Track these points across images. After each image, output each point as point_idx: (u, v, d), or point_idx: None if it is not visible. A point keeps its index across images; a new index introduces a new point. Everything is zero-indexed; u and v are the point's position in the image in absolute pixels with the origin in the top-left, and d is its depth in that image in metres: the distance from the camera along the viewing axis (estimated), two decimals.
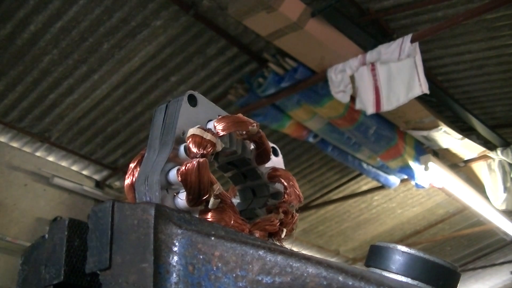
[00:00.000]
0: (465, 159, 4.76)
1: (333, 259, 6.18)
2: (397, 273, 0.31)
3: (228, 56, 3.74)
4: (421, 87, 3.11)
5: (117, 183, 4.83)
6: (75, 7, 3.17)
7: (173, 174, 0.36)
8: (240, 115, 0.41)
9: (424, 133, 4.16)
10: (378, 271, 0.32)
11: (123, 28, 3.36)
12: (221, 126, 0.39)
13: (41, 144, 4.29)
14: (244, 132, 0.41)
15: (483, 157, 4.72)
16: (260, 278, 0.28)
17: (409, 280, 0.31)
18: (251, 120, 0.40)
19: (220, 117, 0.40)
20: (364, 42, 3.33)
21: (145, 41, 3.47)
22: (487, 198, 4.92)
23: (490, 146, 4.65)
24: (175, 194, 0.37)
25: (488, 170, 4.77)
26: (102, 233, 0.32)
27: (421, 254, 0.31)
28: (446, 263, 0.31)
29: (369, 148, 4.28)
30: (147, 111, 4.02)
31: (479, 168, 4.90)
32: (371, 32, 3.44)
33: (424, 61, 3.17)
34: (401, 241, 6.71)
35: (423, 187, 4.74)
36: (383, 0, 3.30)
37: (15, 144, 4.24)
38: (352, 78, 3.32)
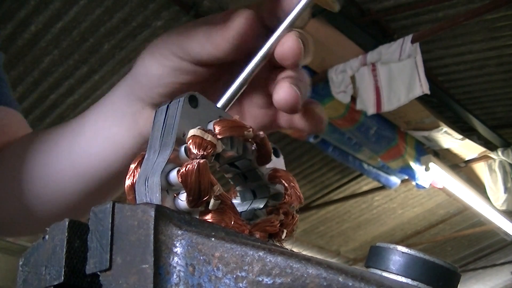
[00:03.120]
0: (466, 159, 4.76)
1: (333, 260, 6.18)
2: (397, 274, 0.31)
3: None
4: (422, 87, 3.12)
5: None
6: (75, 8, 3.18)
7: (173, 175, 0.36)
8: (236, 119, 0.41)
9: (425, 133, 4.17)
10: (378, 272, 0.32)
11: (124, 28, 3.36)
12: (218, 129, 0.39)
13: None
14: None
15: (483, 157, 4.73)
16: (260, 279, 0.28)
17: (409, 281, 0.31)
18: (247, 125, 0.41)
19: (217, 120, 0.40)
20: (364, 43, 3.34)
21: (146, 41, 3.48)
22: (487, 198, 4.92)
23: (491, 147, 4.65)
24: (175, 195, 0.37)
25: (489, 171, 4.77)
26: (102, 234, 0.32)
27: (421, 255, 0.31)
28: (446, 263, 0.31)
29: (369, 149, 4.28)
30: None
31: (479, 169, 4.90)
32: (371, 33, 3.44)
33: (425, 61, 3.17)
34: (402, 242, 6.72)
35: (423, 188, 4.74)
36: (384, 0, 3.30)
37: None
38: (352, 78, 3.32)
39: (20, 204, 0.68)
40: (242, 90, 0.47)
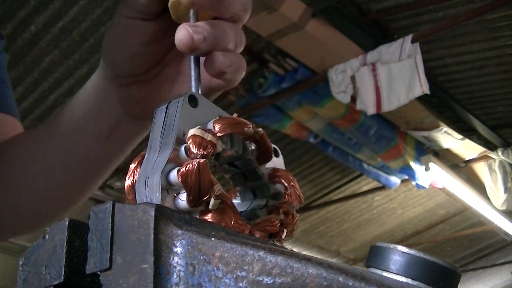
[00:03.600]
0: (466, 159, 4.76)
1: (333, 260, 6.18)
2: (398, 274, 0.31)
3: None
4: (422, 87, 3.12)
5: (118, 184, 4.83)
6: (75, 8, 3.18)
7: (173, 175, 0.36)
8: (235, 116, 0.41)
9: (425, 133, 4.17)
10: (378, 271, 0.32)
11: None
12: (218, 127, 0.39)
13: None
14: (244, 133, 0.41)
15: (483, 157, 4.73)
16: (260, 279, 0.28)
17: (409, 281, 0.31)
18: (247, 122, 0.40)
19: (217, 118, 0.40)
20: (364, 43, 3.33)
21: None
22: (487, 198, 4.92)
23: (491, 147, 4.65)
24: (175, 195, 0.37)
25: (489, 171, 4.77)
26: (102, 233, 0.32)
27: (421, 254, 0.31)
28: (446, 263, 0.31)
29: (369, 149, 4.28)
30: None
31: (479, 169, 4.90)
32: (371, 33, 3.44)
33: (425, 61, 3.17)
34: (402, 242, 6.71)
35: (423, 188, 4.74)
36: (384, 0, 3.30)
37: None
38: (352, 78, 3.32)
39: (9, 204, 0.70)
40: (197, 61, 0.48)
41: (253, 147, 0.43)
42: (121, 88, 0.58)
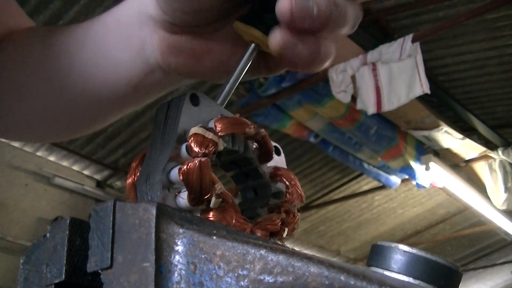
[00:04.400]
0: (466, 159, 4.76)
1: (334, 259, 6.18)
2: (399, 273, 0.31)
3: None
4: (422, 87, 3.12)
5: (118, 183, 4.83)
6: (76, 7, 3.17)
7: (174, 173, 0.36)
8: (237, 116, 0.41)
9: (425, 133, 4.17)
10: (380, 270, 0.32)
11: None
12: (220, 126, 0.39)
13: (41, 144, 4.28)
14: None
15: (484, 157, 4.73)
16: (262, 278, 0.28)
17: (410, 280, 0.31)
18: (249, 122, 0.40)
19: (219, 117, 0.40)
20: (365, 42, 3.33)
21: None
22: (488, 198, 4.92)
23: (491, 146, 4.65)
24: (176, 193, 0.37)
25: (489, 170, 4.77)
26: (103, 232, 0.32)
27: (423, 253, 0.31)
28: (448, 262, 0.31)
29: (370, 148, 4.28)
30: (148, 111, 4.00)
31: (480, 168, 4.90)
32: (372, 32, 3.44)
33: (425, 61, 3.17)
34: (402, 241, 6.70)
35: (424, 187, 4.74)
36: (384, 0, 3.30)
37: (16, 144, 4.24)
38: (353, 78, 3.32)
39: (11, 104, 0.63)
40: (237, 83, 0.46)
41: (255, 145, 0.43)
42: (168, 34, 0.47)
